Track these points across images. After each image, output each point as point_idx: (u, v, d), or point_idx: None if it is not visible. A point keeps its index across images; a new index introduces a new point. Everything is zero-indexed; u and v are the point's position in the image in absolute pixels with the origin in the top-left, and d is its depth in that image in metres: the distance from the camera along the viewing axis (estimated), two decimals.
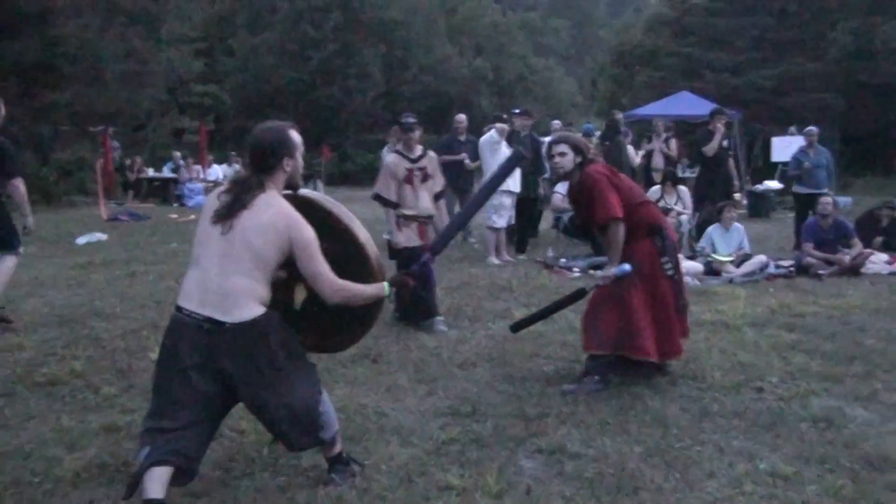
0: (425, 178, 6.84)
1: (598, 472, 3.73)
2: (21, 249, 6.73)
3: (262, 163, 3.30)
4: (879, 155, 25.69)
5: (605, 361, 4.98)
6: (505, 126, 10.16)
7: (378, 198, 6.86)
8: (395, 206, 6.76)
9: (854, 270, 9.17)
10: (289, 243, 3.21)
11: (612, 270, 4.91)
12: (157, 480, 3.12)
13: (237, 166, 22.30)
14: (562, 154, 5.06)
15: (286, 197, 3.38)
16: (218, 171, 21.93)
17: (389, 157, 6.99)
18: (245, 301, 3.18)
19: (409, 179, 6.77)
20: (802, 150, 11.80)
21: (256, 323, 3.18)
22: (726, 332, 6.41)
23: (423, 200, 6.80)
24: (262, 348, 3.19)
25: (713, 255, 9.47)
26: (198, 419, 3.23)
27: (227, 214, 3.22)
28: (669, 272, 4.98)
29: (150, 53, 22.12)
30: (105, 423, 4.39)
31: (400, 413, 4.53)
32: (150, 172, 22.21)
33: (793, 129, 19.26)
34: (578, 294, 5.23)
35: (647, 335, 4.88)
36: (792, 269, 9.32)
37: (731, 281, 8.86)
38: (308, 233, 3.24)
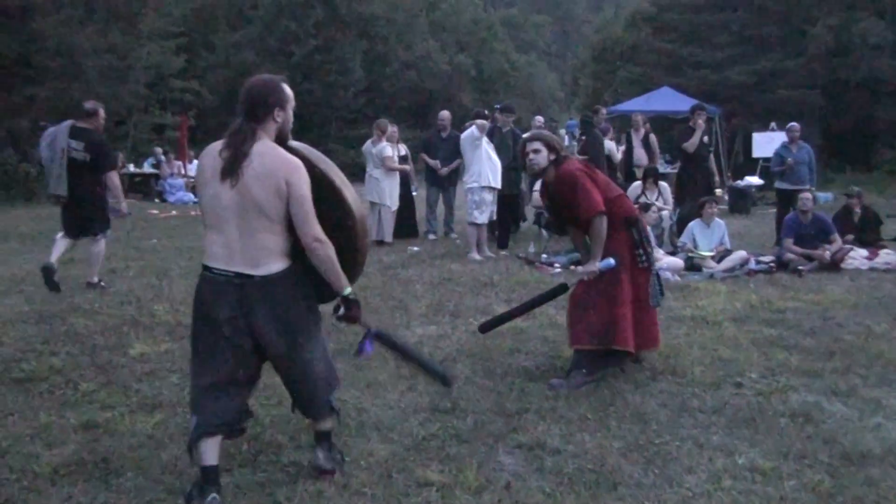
0: None
1: (578, 468, 3.74)
2: (109, 233, 8.20)
3: (254, 112, 3.31)
4: (860, 151, 25.87)
5: (591, 355, 5.01)
6: (485, 123, 10.17)
7: None
8: None
9: (834, 266, 9.24)
10: (285, 185, 3.22)
11: (598, 265, 4.94)
12: (212, 448, 3.33)
13: None
14: (536, 151, 5.12)
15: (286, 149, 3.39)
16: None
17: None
18: (270, 256, 3.28)
19: None
20: (785, 146, 11.87)
21: (284, 275, 3.30)
22: (706, 327, 6.44)
23: None
24: (290, 299, 3.33)
25: (694, 252, 9.52)
26: (234, 376, 3.35)
27: (232, 169, 3.23)
28: (643, 264, 5.08)
29: (130, 48, 21.95)
30: (84, 419, 4.36)
31: (380, 409, 4.52)
32: (131, 168, 22.02)
33: (774, 125, 19.39)
34: (559, 290, 5.24)
35: (627, 326, 4.95)
36: (772, 264, 9.38)
37: (711, 276, 8.91)
38: (302, 175, 3.26)
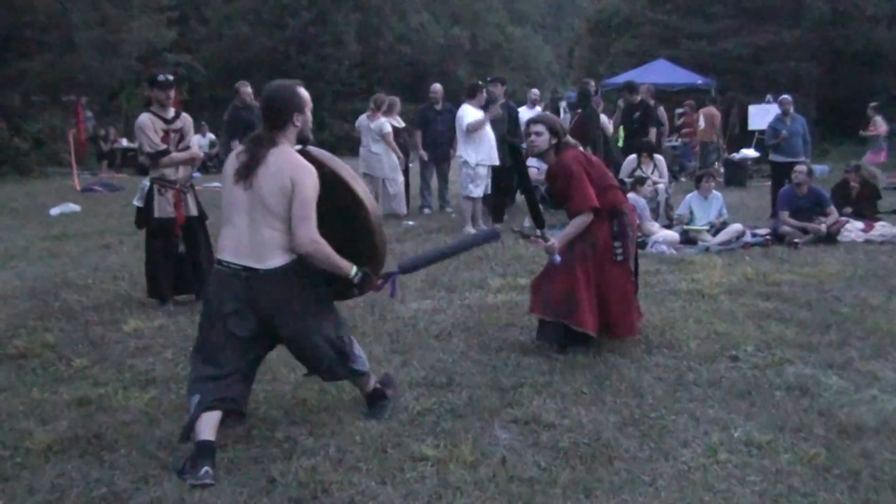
0: (181, 140, 6.37)
1: (573, 442, 3.73)
2: None
3: (275, 119, 3.56)
4: (856, 123, 25.65)
5: (554, 328, 5.08)
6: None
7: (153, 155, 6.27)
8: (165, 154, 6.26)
9: (830, 238, 9.22)
10: (290, 185, 3.44)
11: (554, 247, 4.99)
12: (208, 425, 3.45)
13: (211, 136, 22.03)
14: (538, 134, 5.17)
15: (298, 152, 3.64)
16: (197, 141, 21.63)
17: (142, 117, 6.31)
18: (274, 251, 3.50)
19: (165, 141, 6.26)
20: (779, 119, 11.83)
21: (287, 269, 3.51)
22: (702, 300, 6.42)
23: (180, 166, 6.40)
24: (293, 290, 3.54)
25: (689, 225, 9.50)
26: (239, 364, 3.58)
27: (245, 173, 3.50)
28: (618, 257, 5.08)
29: (122, 21, 21.71)
30: (77, 395, 4.35)
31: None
32: (125, 143, 21.86)
33: (769, 97, 19.29)
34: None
35: (586, 309, 4.97)
36: (768, 237, 9.36)
37: (707, 250, 8.89)
38: (308, 178, 3.47)
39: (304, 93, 3.66)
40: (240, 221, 3.52)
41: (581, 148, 5.38)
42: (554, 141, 5.16)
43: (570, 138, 5.30)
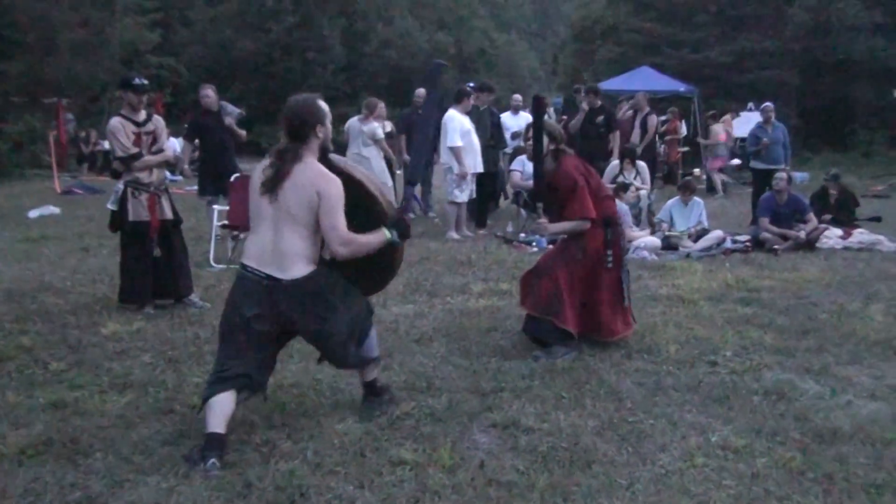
0: (154, 142, 6.34)
1: (552, 446, 3.74)
2: None
3: (297, 133, 3.70)
4: (836, 131, 25.99)
5: (538, 324, 5.18)
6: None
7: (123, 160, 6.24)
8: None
9: (809, 245, 9.29)
10: (316, 197, 3.59)
11: (546, 227, 5.15)
12: (220, 418, 3.56)
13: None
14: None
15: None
16: (175, 145, 21.50)
17: (114, 121, 6.28)
18: (297, 261, 3.65)
19: (137, 144, 6.21)
20: (760, 126, 11.92)
21: (309, 279, 3.66)
22: (682, 306, 6.46)
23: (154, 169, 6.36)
24: (315, 298, 3.70)
25: (670, 231, 9.54)
26: (260, 356, 3.76)
27: (271, 186, 3.64)
28: (608, 264, 5.20)
29: (104, 23, 21.59)
30: (53, 398, 4.31)
31: (355, 388, 4.48)
32: (106, 145, 21.70)
33: (751, 104, 19.43)
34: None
35: (569, 307, 5.09)
36: (748, 244, 9.42)
37: (688, 256, 8.93)
38: (334, 188, 3.62)
39: (324, 105, 3.82)
40: (265, 231, 3.67)
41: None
42: (552, 147, 5.24)
43: (566, 146, 5.39)
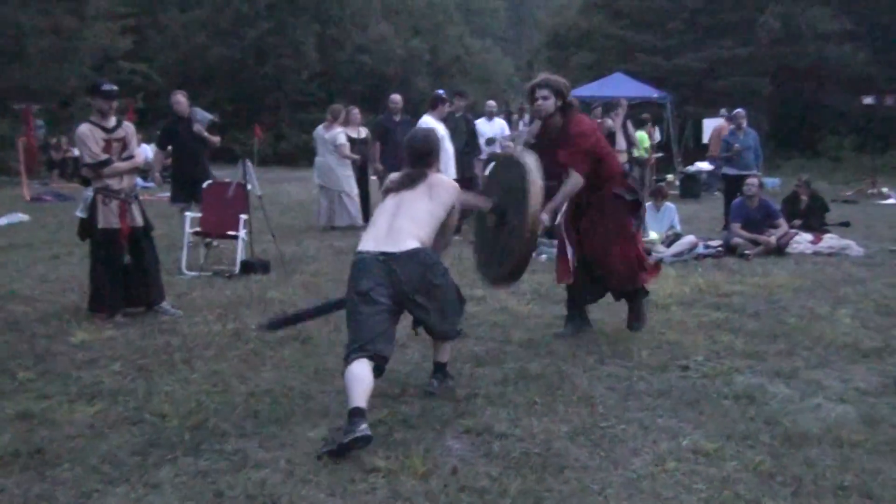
0: (124, 149, 6.30)
1: (525, 452, 3.74)
2: None
3: (422, 161, 4.51)
4: (806, 137, 26.34)
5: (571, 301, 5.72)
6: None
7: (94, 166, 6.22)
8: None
9: (779, 250, 9.38)
10: (452, 200, 4.45)
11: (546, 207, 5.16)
12: (362, 392, 3.81)
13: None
14: (545, 98, 5.39)
15: None
16: (147, 151, 21.33)
17: (82, 127, 6.23)
18: (408, 237, 4.18)
19: (107, 151, 6.18)
20: (731, 133, 12.04)
21: (418, 252, 4.16)
22: (655, 311, 6.47)
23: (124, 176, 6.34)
24: (424, 269, 4.17)
25: (643, 238, 9.59)
26: (384, 327, 4.10)
27: (397, 188, 4.41)
28: (629, 197, 5.52)
29: (75, 29, 21.41)
30: (20, 409, 4.25)
31: (327, 395, 4.48)
32: (76, 152, 21.49)
33: (724, 111, 19.59)
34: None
35: (565, 262, 5.60)
36: (720, 249, 9.49)
37: (660, 261, 8.96)
38: (453, 194, 4.47)
39: (439, 134, 4.78)
40: (382, 222, 4.27)
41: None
42: (559, 103, 5.37)
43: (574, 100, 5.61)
